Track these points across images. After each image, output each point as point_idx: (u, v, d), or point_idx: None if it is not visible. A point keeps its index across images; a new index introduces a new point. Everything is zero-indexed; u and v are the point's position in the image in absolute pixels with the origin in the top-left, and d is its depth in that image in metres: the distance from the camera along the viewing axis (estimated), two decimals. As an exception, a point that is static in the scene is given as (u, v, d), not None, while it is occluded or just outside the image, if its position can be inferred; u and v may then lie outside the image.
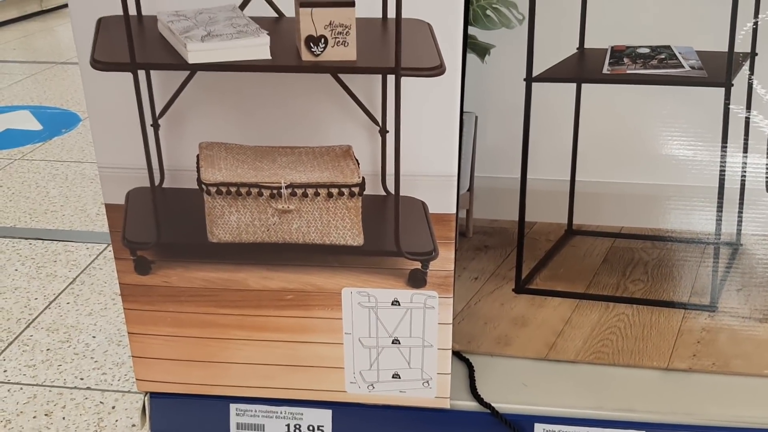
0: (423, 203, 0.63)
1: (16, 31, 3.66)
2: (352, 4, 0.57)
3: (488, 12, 0.77)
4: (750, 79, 0.73)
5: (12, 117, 2.28)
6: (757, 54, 0.73)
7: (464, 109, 0.79)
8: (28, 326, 1.16)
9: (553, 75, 0.76)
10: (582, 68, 0.76)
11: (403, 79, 0.60)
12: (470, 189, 0.79)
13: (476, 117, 0.79)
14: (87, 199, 1.71)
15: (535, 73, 0.77)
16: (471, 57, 0.78)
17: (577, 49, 0.76)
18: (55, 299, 1.23)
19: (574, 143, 0.77)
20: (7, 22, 3.78)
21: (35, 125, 2.20)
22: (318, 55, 0.59)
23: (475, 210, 0.79)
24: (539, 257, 0.78)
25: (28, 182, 1.84)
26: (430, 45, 0.58)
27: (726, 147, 0.74)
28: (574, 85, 0.76)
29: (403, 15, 0.57)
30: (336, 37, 0.58)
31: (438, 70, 0.58)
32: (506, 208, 0.79)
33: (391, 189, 0.64)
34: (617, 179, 0.77)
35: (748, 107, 0.74)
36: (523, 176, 0.78)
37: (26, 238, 1.46)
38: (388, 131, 0.62)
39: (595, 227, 0.78)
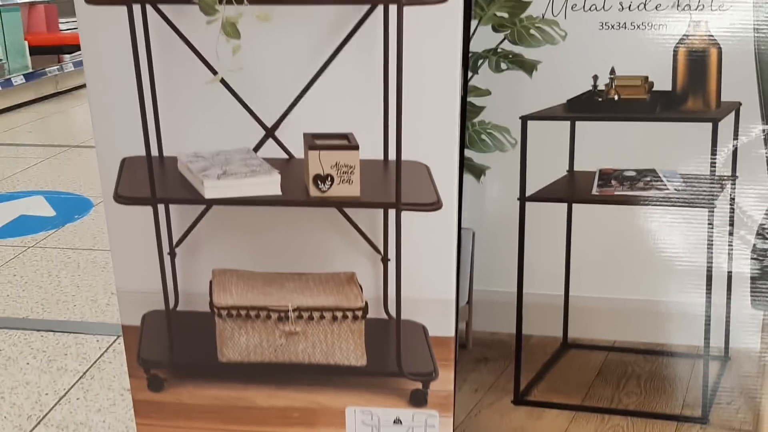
0: (423, 327, 0.67)
1: (33, 113, 3.78)
2: (357, 148, 0.63)
3: (483, 136, 0.83)
4: (732, 201, 0.78)
5: (26, 203, 2.35)
6: (737, 177, 0.78)
7: (462, 226, 0.83)
8: (38, 423, 1.18)
9: (545, 195, 0.81)
10: (572, 189, 0.81)
11: (403, 212, 0.64)
12: (469, 302, 0.83)
13: (474, 233, 0.83)
14: (98, 289, 1.75)
15: (528, 193, 0.82)
16: (468, 177, 0.83)
17: (567, 171, 0.81)
18: (65, 395, 1.26)
19: (566, 259, 0.81)
20: (24, 104, 3.92)
21: (48, 211, 2.26)
22: (325, 191, 0.64)
23: (474, 322, 0.83)
24: (537, 369, 0.80)
25: (41, 271, 1.89)
26: (427, 183, 0.63)
27: (711, 265, 0.78)
28: (565, 205, 0.81)
29: (403, 157, 0.62)
30: (341, 176, 0.63)
31: (435, 205, 0.63)
32: (505, 320, 0.82)
33: (393, 313, 0.67)
34: (609, 294, 0.80)
35: (731, 224, 0.79)
36: (519, 291, 0.81)
37: (38, 330, 1.49)
38: (389, 259, 0.66)
39: (590, 341, 0.81)
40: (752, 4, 0.77)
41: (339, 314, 0.68)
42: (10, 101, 3.84)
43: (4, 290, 1.74)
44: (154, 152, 0.64)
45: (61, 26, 4.38)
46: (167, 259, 0.68)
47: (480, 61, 0.82)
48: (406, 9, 0.58)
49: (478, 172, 0.83)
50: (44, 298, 1.67)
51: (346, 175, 0.63)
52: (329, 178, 0.64)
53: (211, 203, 0.65)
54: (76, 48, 4.01)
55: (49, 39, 4.15)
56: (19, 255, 1.93)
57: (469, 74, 0.83)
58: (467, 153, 0.83)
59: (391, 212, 0.64)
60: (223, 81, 0.61)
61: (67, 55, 4.15)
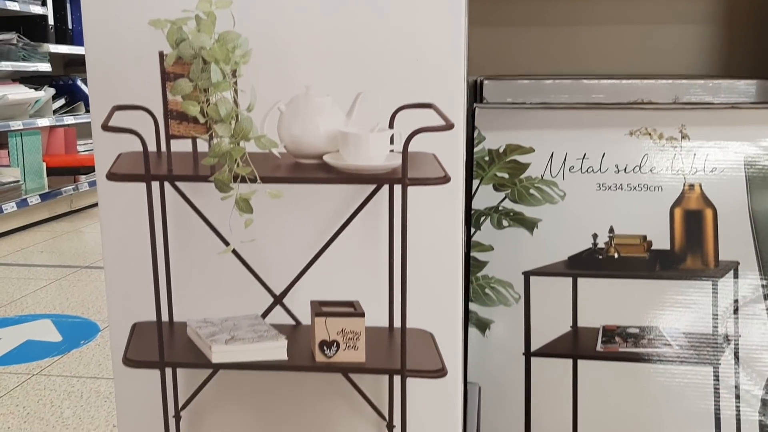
0: None
1: (46, 231, 3.86)
2: (362, 315, 0.64)
3: (487, 290, 0.84)
4: (736, 359, 0.78)
5: (33, 327, 2.36)
6: (740, 336, 0.79)
7: (468, 380, 0.83)
8: None
9: (550, 350, 0.82)
10: (577, 345, 0.81)
11: (408, 379, 0.65)
12: (475, 461, 0.81)
13: (480, 388, 0.83)
14: (100, 421, 1.73)
15: (532, 348, 0.82)
16: (472, 331, 0.84)
17: (571, 327, 0.82)
18: None
19: (573, 416, 0.80)
20: (38, 223, 4.00)
21: (55, 336, 2.26)
22: (330, 357, 0.65)
23: (480, 482, 0.81)
24: None
25: (44, 401, 1.87)
26: (432, 350, 0.64)
27: (720, 429, 0.77)
28: (570, 361, 0.81)
29: (408, 325, 0.64)
30: (347, 342, 0.65)
31: (440, 372, 0.64)
32: (511, 481, 0.80)
33: None
34: (618, 455, 0.79)
35: (736, 380, 0.78)
36: (527, 449, 0.80)
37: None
38: (394, 426, 0.66)
39: (600, 504, 0.79)
40: (744, 168, 0.81)
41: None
42: (25, 220, 3.92)
43: (5, 422, 1.72)
44: (165, 317, 0.66)
45: (80, 148, 4.54)
46: (172, 422, 0.68)
47: (482, 218, 0.85)
48: (410, 187, 0.61)
49: (483, 326, 0.84)
50: (45, 430, 1.64)
51: (351, 342, 0.64)
52: (335, 344, 0.65)
53: (218, 367, 0.66)
54: (92, 169, 4.15)
55: (67, 161, 4.29)
56: (22, 383, 1.91)
57: (472, 230, 0.85)
58: (471, 307, 0.84)
59: (396, 379, 0.65)
60: (234, 252, 0.64)
61: (83, 176, 4.28)
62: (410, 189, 0.61)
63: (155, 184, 0.63)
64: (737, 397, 0.77)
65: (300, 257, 0.63)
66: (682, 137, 0.82)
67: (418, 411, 0.65)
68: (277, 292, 0.65)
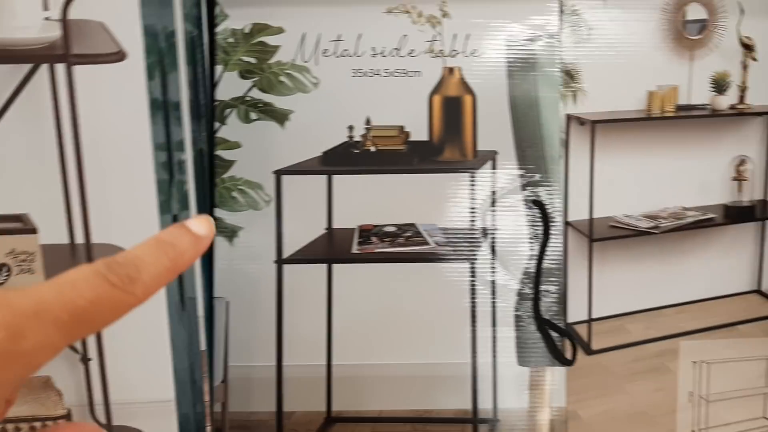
0: (141, 432, 0.58)
1: None
2: (34, 231, 0.52)
3: (234, 193, 0.75)
4: (493, 254, 0.75)
5: None
6: (497, 229, 0.75)
7: (215, 295, 0.75)
8: None
9: (303, 256, 0.74)
10: (332, 248, 0.75)
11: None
12: (225, 380, 0.74)
13: (227, 303, 0.75)
14: None
15: (285, 254, 0.74)
16: (219, 240, 0.74)
17: (326, 229, 0.75)
18: None
19: (328, 326, 0.74)
20: None
21: None
22: (2, 283, 0.53)
23: (231, 403, 0.74)
24: (300, 449, 0.73)
25: None
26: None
27: (475, 325, 0.75)
28: (325, 267, 0.75)
29: (95, 240, 0.53)
30: (20, 264, 0.53)
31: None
32: (264, 398, 0.74)
33: (103, 419, 0.57)
34: (375, 361, 0.75)
35: (492, 274, 0.76)
36: (279, 364, 0.74)
37: None
38: (90, 359, 0.56)
39: (355, 413, 0.75)
40: (504, 50, 0.75)
41: (38, 424, 0.57)
42: None
43: None
44: None
45: None
46: None
47: (227, 111, 0.74)
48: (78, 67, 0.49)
49: (231, 233, 0.75)
50: None
51: (25, 264, 0.53)
52: (5, 268, 0.53)
53: None
54: None
55: None
56: None
57: (216, 125, 0.74)
58: (217, 212, 0.75)
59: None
60: None
61: None
62: (78, 69, 0.49)
63: None
64: (493, 292, 0.75)
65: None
66: (443, 15, 0.75)
67: (120, 342, 0.56)
68: None
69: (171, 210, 0.57)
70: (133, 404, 0.57)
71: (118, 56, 0.47)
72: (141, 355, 0.55)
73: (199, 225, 0.29)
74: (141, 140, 0.50)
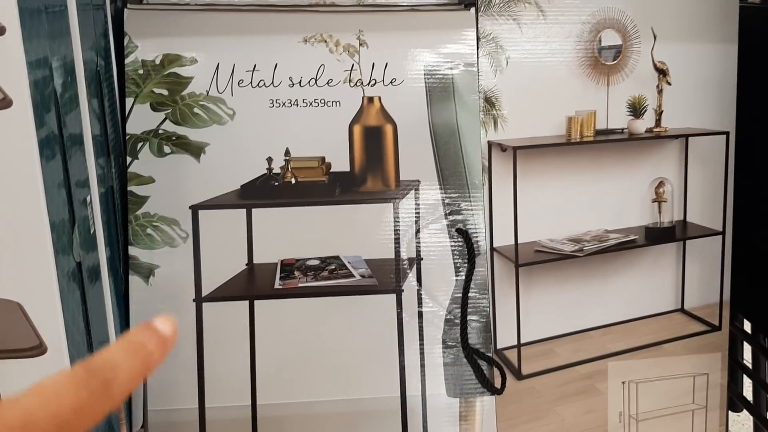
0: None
1: None
2: None
3: (149, 230, 0.72)
4: (419, 284, 0.74)
5: None
6: (422, 259, 0.74)
7: (131, 337, 0.71)
8: None
9: (223, 294, 0.72)
10: (253, 285, 0.72)
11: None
12: (144, 426, 0.71)
13: (145, 344, 0.71)
14: None
15: (204, 292, 0.72)
16: (134, 279, 0.71)
17: (246, 265, 0.73)
18: None
19: (251, 365, 0.72)
20: None
21: None
22: None
23: (150, 449, 0.71)
24: (225, 495, 0.70)
25: None
26: (23, 323, 0.50)
27: (404, 355, 0.73)
28: (247, 304, 0.72)
29: (-13, 292, 0.49)
30: None
31: (38, 350, 0.51)
32: (186, 442, 0.71)
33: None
34: (301, 399, 0.73)
35: (420, 305, 0.75)
36: (201, 406, 0.71)
37: None
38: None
39: (282, 453, 0.72)
40: (423, 78, 0.74)
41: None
42: None
43: None
44: None
45: None
46: None
47: (140, 145, 0.72)
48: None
49: (146, 272, 0.72)
50: None
51: None
52: None
53: None
54: None
55: None
56: None
57: (128, 160, 0.72)
58: (132, 251, 0.71)
59: (-16, 358, 0.51)
60: None
61: None
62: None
63: None
64: (420, 317, 0.74)
65: None
66: (360, 44, 0.74)
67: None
68: None
69: (72, 251, 0.54)
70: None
71: (4, 103, 0.45)
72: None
73: (165, 325, 0.30)
74: (29, 180, 0.47)
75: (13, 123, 0.45)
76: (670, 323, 0.84)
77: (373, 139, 0.74)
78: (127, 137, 0.71)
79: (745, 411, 0.90)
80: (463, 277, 0.74)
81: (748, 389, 0.90)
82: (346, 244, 0.73)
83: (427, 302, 0.74)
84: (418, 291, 0.74)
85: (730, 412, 0.87)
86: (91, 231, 0.60)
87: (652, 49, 0.81)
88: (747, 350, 0.88)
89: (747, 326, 0.88)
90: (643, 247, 0.83)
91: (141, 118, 0.72)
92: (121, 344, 0.29)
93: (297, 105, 0.73)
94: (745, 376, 0.88)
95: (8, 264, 0.48)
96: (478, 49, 0.75)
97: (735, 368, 0.88)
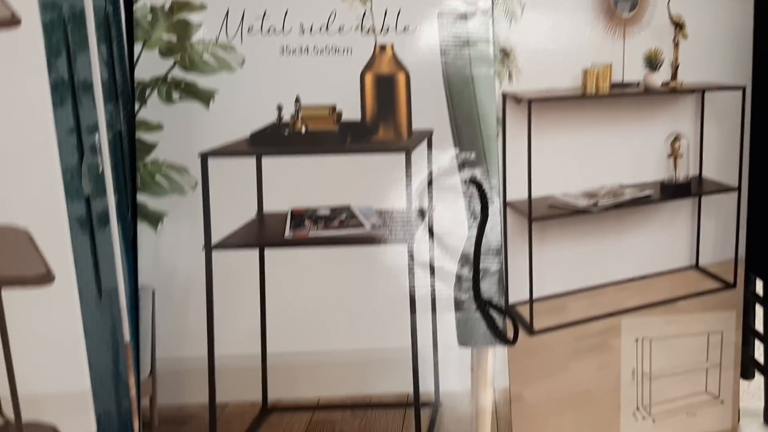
0: (54, 428, 0.54)
1: None
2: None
3: (157, 178, 0.71)
4: (430, 235, 0.73)
5: None
6: (434, 210, 0.73)
7: (140, 283, 0.71)
8: None
9: (233, 242, 0.71)
10: (263, 233, 0.72)
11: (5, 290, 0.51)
12: (152, 373, 0.70)
13: (154, 291, 0.71)
14: None
15: (213, 240, 0.71)
16: (143, 227, 0.71)
17: (256, 213, 0.72)
18: None
19: (261, 313, 0.71)
20: None
21: None
22: None
23: (160, 396, 0.70)
24: (234, 443, 0.70)
25: None
26: (31, 251, 0.50)
27: (414, 306, 0.72)
28: (257, 252, 0.71)
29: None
30: None
31: (45, 279, 0.50)
32: (195, 391, 0.71)
33: (12, 415, 0.53)
34: (311, 348, 0.72)
35: (431, 256, 0.74)
36: (210, 354, 0.71)
37: None
38: (-4, 351, 0.52)
39: (292, 401, 0.72)
40: (438, 26, 0.73)
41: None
42: None
43: None
44: None
45: None
46: None
47: (148, 91, 0.71)
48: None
49: (155, 219, 0.71)
50: None
51: None
52: None
53: None
54: None
55: None
56: None
57: (137, 106, 0.71)
58: (140, 198, 0.71)
59: (-7, 290, 0.51)
60: None
61: None
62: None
63: None
64: (432, 273, 0.73)
65: None
66: (372, -9, 0.72)
67: (27, 331, 0.52)
68: None
69: (82, 194, 0.53)
70: (44, 397, 0.52)
71: (12, 21, 0.44)
72: (50, 345, 0.51)
73: None
74: (42, 123, 0.47)
75: (25, 63, 0.44)
76: (684, 280, 0.83)
77: (385, 87, 0.73)
78: (135, 83, 0.71)
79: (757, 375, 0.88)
80: (476, 230, 0.73)
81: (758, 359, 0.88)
82: (358, 194, 0.72)
83: (438, 253, 0.73)
84: (430, 242, 0.73)
85: (742, 380, 0.86)
86: (100, 171, 0.60)
87: (669, 1, 0.79)
88: (758, 314, 0.87)
89: (759, 288, 0.86)
90: (659, 203, 0.82)
91: (149, 65, 0.71)
92: None
93: (307, 52, 0.72)
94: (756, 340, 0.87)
95: (20, 198, 0.47)
96: (492, -4, 0.74)
97: (747, 331, 0.87)
